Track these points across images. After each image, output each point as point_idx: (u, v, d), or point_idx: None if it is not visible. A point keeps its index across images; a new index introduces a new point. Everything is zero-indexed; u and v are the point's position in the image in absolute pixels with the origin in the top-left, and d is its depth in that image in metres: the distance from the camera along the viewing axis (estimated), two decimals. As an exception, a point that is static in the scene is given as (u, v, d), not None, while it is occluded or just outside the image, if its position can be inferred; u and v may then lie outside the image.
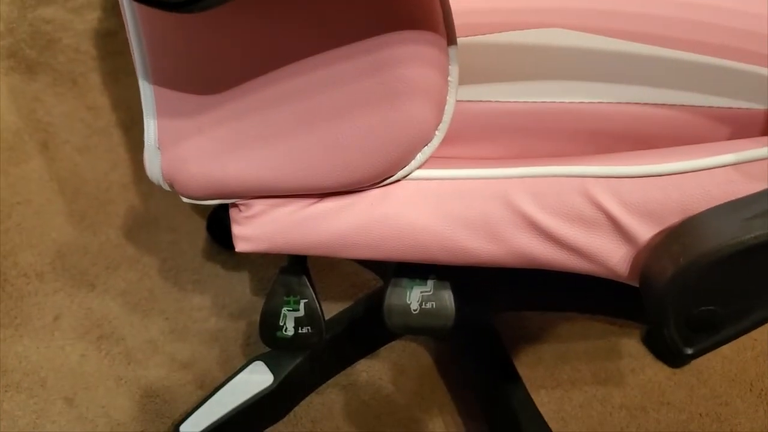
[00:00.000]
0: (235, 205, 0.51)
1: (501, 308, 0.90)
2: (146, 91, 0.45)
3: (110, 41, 1.19)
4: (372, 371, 0.91)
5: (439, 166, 0.50)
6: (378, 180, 0.49)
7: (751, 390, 0.92)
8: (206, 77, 0.44)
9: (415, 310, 0.59)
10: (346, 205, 0.49)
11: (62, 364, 0.90)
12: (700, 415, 0.90)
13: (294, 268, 0.66)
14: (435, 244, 0.49)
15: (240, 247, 0.52)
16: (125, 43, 1.21)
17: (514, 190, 0.48)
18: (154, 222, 1.01)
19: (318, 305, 0.65)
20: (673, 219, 0.46)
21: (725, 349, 0.94)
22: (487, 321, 0.85)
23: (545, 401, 0.91)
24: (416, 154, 0.48)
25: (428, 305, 0.59)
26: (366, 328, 0.82)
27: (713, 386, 0.92)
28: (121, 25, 1.36)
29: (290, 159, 0.46)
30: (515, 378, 0.80)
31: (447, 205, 0.49)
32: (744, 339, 0.96)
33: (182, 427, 0.76)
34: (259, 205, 0.50)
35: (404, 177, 0.49)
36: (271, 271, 1.00)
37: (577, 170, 0.47)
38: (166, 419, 0.86)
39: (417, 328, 0.60)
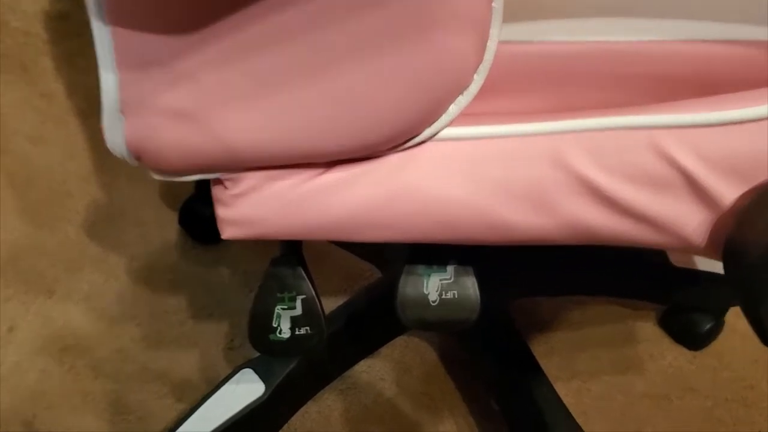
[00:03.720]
0: (219, 182, 0.42)
1: (518, 294, 0.82)
2: (101, 34, 0.35)
3: (63, 24, 1.10)
4: (372, 372, 0.84)
5: (471, 123, 0.40)
6: (399, 141, 0.40)
7: (776, 371, 0.86)
8: (180, 10, 0.34)
9: (434, 302, 0.52)
10: (359, 174, 0.40)
11: (19, 383, 0.81)
12: (726, 400, 0.84)
13: (288, 259, 0.58)
14: (469, 220, 0.40)
15: (227, 233, 0.42)
16: (80, 24, 1.12)
17: (567, 148, 0.39)
18: (119, 216, 0.93)
19: (318, 301, 0.58)
20: (764, 175, 0.38)
21: (742, 327, 0.90)
22: (504, 309, 0.76)
23: (562, 394, 0.84)
24: (449, 105, 0.38)
25: (449, 295, 0.52)
26: (368, 324, 0.74)
27: (736, 369, 0.87)
28: (75, 7, 1.25)
29: (290, 116, 0.37)
30: (537, 370, 0.72)
31: (484, 170, 0.40)
32: (764, 316, 0.90)
33: (163, 449, 0.66)
34: (250, 179, 0.41)
35: (431, 137, 0.40)
36: (254, 265, 0.92)
37: (643, 120, 0.39)
38: (143, 438, 0.77)
39: (436, 323, 0.53)
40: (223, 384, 0.68)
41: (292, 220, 0.41)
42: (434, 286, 0.52)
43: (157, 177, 0.42)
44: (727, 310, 0.89)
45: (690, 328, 0.87)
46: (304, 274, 0.57)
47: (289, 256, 0.57)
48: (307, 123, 0.37)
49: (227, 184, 0.41)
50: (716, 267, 0.88)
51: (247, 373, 0.68)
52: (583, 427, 0.72)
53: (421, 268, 0.52)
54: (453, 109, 0.39)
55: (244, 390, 0.67)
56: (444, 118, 0.39)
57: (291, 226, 0.42)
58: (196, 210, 0.92)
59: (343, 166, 0.41)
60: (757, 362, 0.88)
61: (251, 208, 0.41)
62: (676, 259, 0.84)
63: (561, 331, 0.90)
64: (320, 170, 0.41)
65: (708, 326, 0.87)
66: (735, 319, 0.89)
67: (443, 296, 0.51)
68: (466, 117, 0.40)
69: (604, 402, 0.84)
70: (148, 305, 0.87)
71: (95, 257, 0.89)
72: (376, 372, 0.84)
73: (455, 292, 0.52)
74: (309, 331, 0.57)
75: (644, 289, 0.85)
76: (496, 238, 0.41)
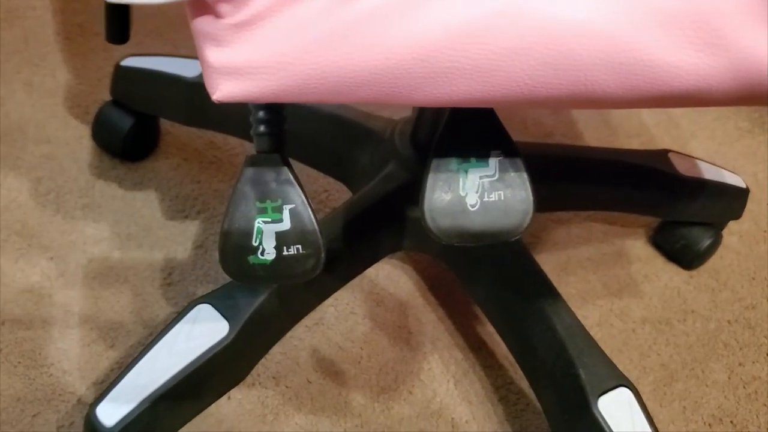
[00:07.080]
0: (209, 5, 0.27)
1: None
2: None
3: None
4: (340, 305, 0.73)
5: None
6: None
7: (775, 289, 0.80)
8: None
9: (473, 206, 0.41)
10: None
11: None
12: (729, 322, 0.78)
13: (269, 157, 0.44)
14: (599, 58, 0.27)
15: (224, 90, 0.28)
16: None
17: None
18: (18, 132, 0.80)
19: (310, 211, 0.45)
20: None
21: (736, 243, 0.84)
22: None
23: (555, 322, 0.74)
24: None
25: (493, 196, 0.41)
26: (345, 248, 0.60)
27: (734, 287, 0.81)
28: None
29: None
30: (551, 291, 0.61)
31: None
32: (754, 231, 0.86)
33: (99, 409, 0.52)
34: (261, -4, 0.26)
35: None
36: (188, 187, 0.77)
37: None
38: (69, 396, 0.63)
39: (476, 234, 0.41)
40: (175, 324, 0.54)
41: (323, 66, 0.27)
42: (473, 185, 0.40)
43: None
44: (726, 224, 0.81)
45: (689, 244, 0.79)
46: (291, 176, 0.44)
47: (271, 151, 0.43)
48: None
49: (224, 7, 0.27)
50: (722, 177, 0.80)
51: (205, 310, 0.54)
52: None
53: (454, 162, 0.40)
54: None
55: (203, 330, 0.53)
56: None
57: (319, 76, 0.28)
58: (113, 121, 0.79)
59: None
60: (754, 279, 0.81)
61: (263, 45, 0.27)
62: (684, 168, 0.75)
63: (545, 252, 0.81)
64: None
65: (708, 242, 0.79)
66: (728, 235, 0.82)
67: (486, 198, 0.40)
68: None
69: (603, 329, 0.75)
70: (63, 235, 0.74)
71: (-10, 179, 0.76)
72: (345, 305, 0.72)
73: (502, 192, 0.40)
74: (301, 251, 0.44)
75: (647, 200, 0.76)
76: (626, 93, 0.29)
